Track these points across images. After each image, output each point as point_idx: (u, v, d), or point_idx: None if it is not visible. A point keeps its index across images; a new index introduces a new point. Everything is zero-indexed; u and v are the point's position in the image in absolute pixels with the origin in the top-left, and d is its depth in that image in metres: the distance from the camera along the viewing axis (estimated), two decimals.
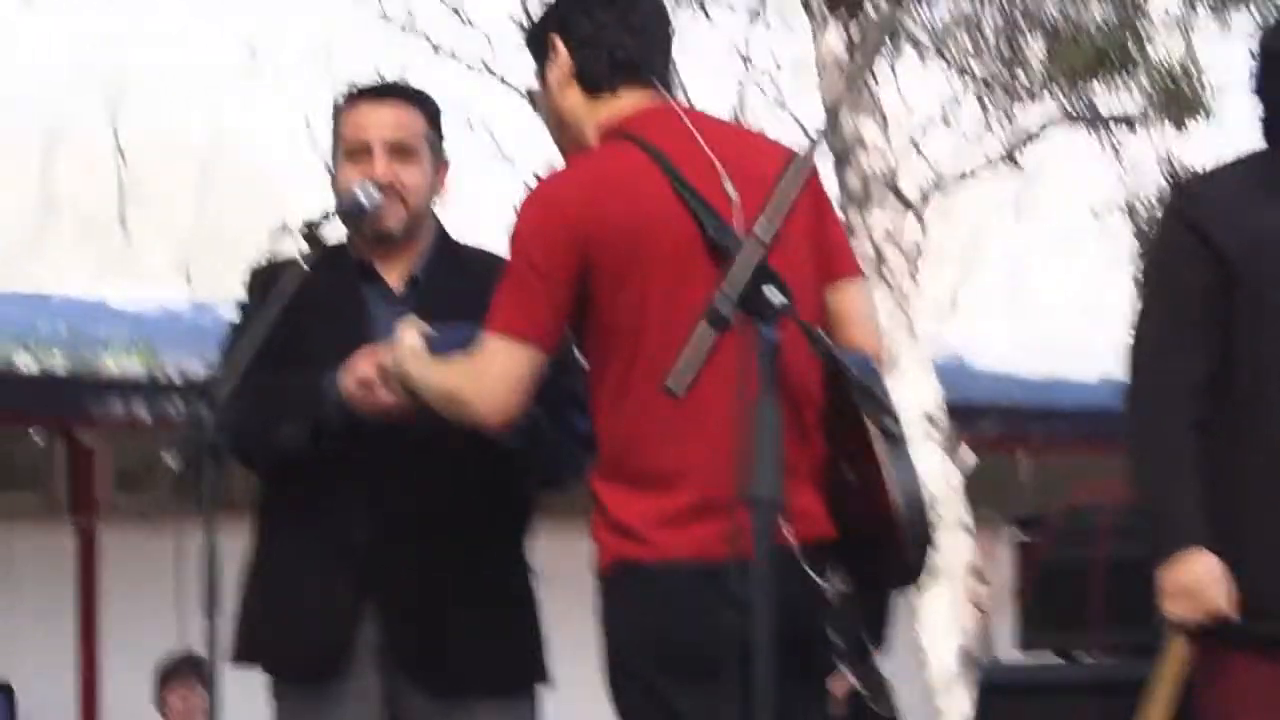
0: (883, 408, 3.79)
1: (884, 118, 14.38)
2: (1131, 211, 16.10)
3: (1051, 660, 6.42)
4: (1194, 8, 15.03)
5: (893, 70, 14.79)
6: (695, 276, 3.80)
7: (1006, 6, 15.01)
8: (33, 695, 13.08)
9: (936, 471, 13.31)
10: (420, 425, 4.49)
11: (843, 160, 14.09)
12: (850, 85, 14.02)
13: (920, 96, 15.16)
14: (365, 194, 4.70)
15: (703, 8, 14.62)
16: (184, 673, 11.24)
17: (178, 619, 12.33)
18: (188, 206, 18.69)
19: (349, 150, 4.80)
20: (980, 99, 14.97)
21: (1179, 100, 14.80)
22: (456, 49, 15.07)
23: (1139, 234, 16.00)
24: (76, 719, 14.16)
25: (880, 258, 13.81)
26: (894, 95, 14.91)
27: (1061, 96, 14.95)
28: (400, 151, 4.74)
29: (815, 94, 14.48)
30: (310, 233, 4.70)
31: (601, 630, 3.92)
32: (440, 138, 4.90)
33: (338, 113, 4.92)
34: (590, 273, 3.83)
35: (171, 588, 12.85)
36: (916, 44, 14.99)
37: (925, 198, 14.32)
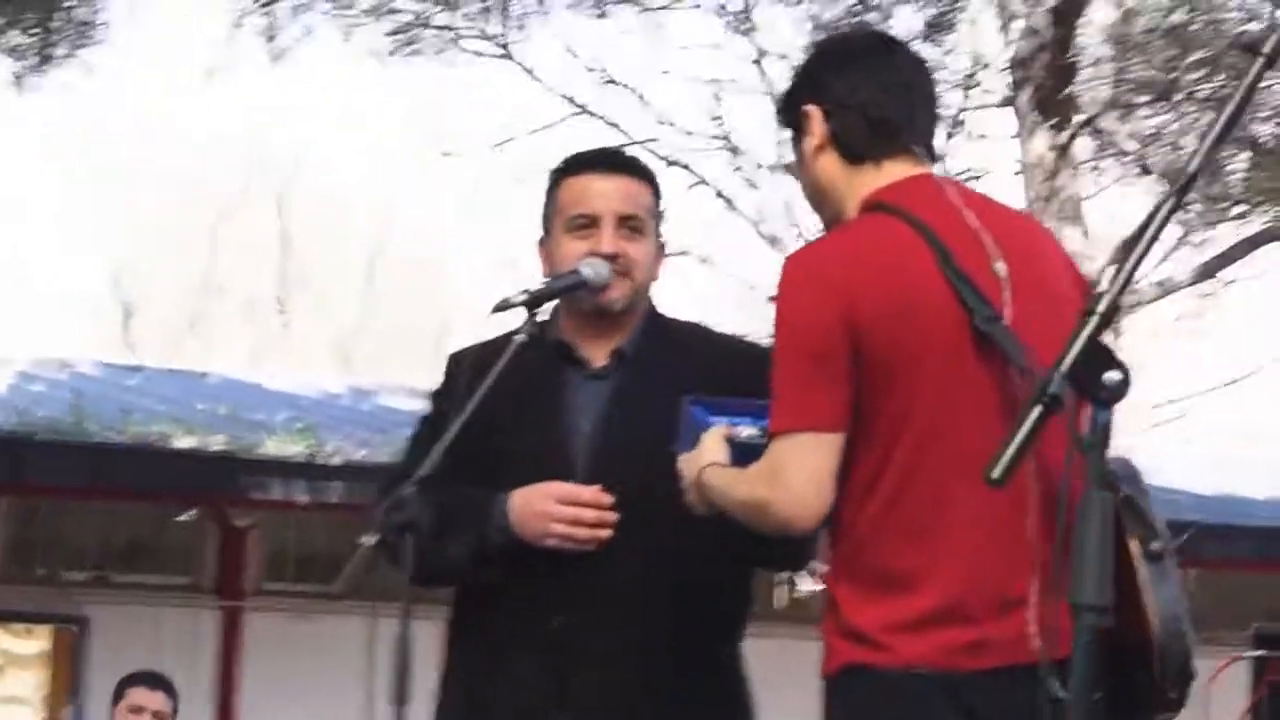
0: (1147, 523, 3.46)
1: (1086, 229, 14.36)
2: None
3: None
4: None
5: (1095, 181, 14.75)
6: (963, 367, 3.54)
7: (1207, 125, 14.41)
8: None
9: None
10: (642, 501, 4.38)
11: None
12: (1055, 192, 13.97)
13: (1123, 208, 15.15)
14: (592, 268, 4.52)
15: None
16: None
17: (368, 705, 12.58)
18: (350, 293, 18.81)
19: (572, 221, 4.59)
20: (1183, 210, 14.32)
21: None
22: (639, 135, 14.86)
23: None
24: None
25: None
26: (1098, 206, 14.86)
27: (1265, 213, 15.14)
28: (629, 226, 4.57)
29: (1012, 202, 13.80)
30: (532, 304, 4.49)
31: None
32: (661, 217, 4.78)
33: (558, 181, 4.72)
34: (855, 354, 3.57)
35: (314, 671, 13.21)
36: (1122, 154, 14.95)
37: (1121, 312, 13.64)
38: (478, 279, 19.95)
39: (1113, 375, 2.66)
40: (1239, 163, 15.45)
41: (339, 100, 18.72)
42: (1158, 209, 2.70)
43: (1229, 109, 2.75)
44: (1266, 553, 16.80)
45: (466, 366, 4.64)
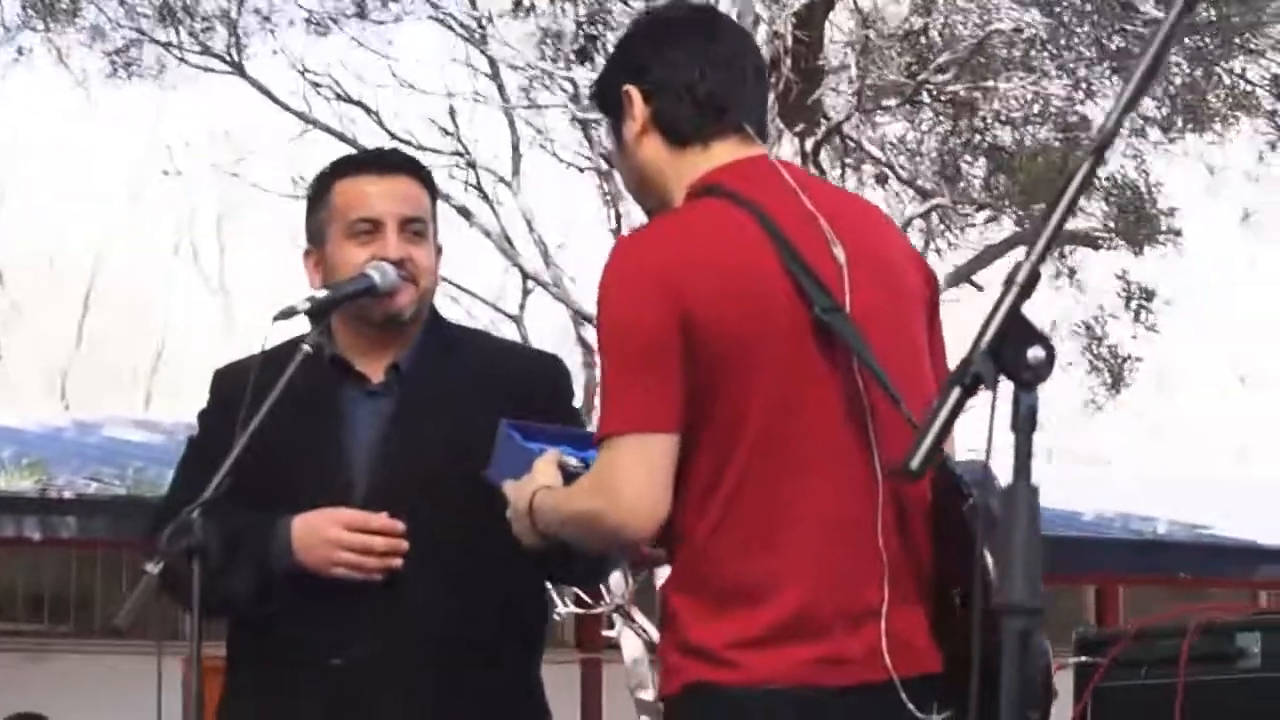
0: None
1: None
2: (1088, 330, 16.48)
3: None
4: (1144, 133, 15.40)
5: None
6: (803, 360, 3.40)
7: (947, 130, 15.54)
8: None
9: None
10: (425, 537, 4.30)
11: None
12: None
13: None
14: (380, 272, 4.40)
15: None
16: None
17: None
18: (65, 326, 18.59)
19: (353, 226, 4.45)
20: (924, 218, 15.37)
21: (1139, 220, 15.31)
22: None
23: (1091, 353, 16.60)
24: None
25: None
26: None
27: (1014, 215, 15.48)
28: (413, 230, 4.47)
29: None
30: (317, 312, 4.38)
31: None
32: (435, 217, 4.69)
33: (329, 184, 4.58)
34: (687, 350, 3.40)
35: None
36: (868, 160, 15.36)
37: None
38: (192, 308, 19.70)
39: (1037, 352, 2.42)
40: (978, 169, 15.85)
41: (53, 127, 18.31)
42: (1074, 171, 2.52)
43: (1147, 57, 2.49)
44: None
45: (239, 383, 4.42)
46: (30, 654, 14.94)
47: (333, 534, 4.26)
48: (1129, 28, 14.97)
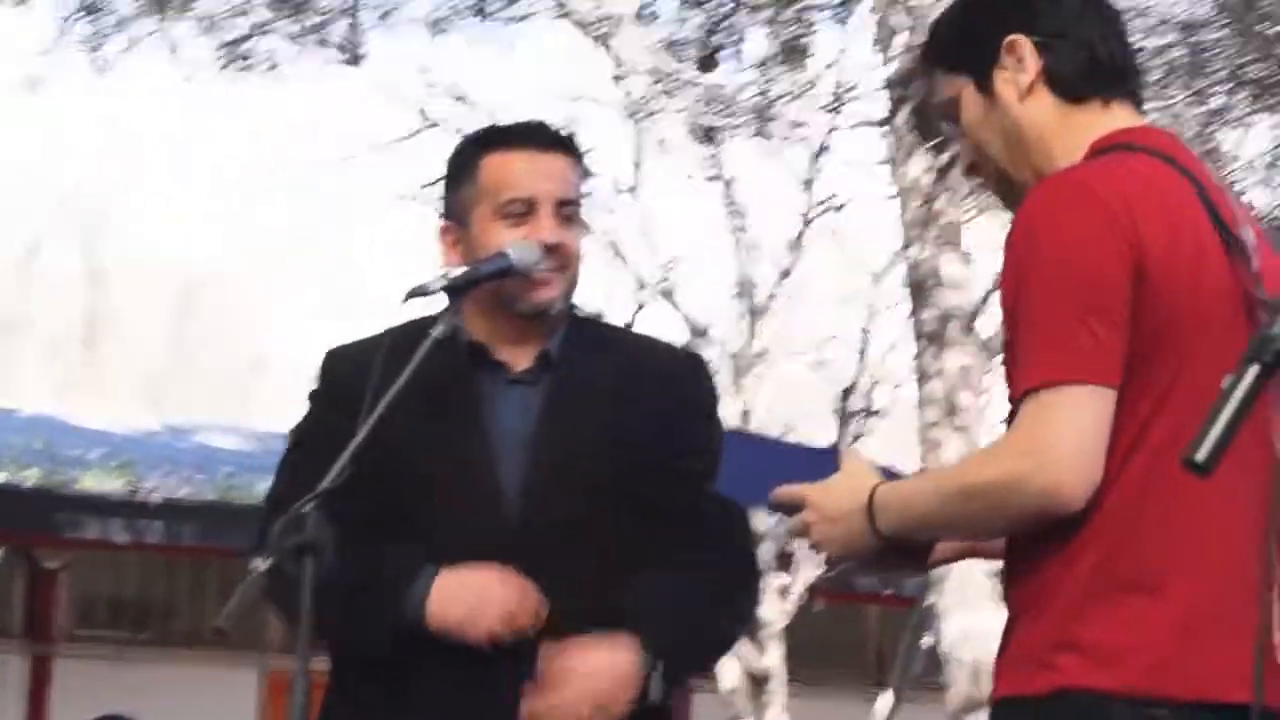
0: None
1: (966, 254, 14.03)
2: None
3: None
4: None
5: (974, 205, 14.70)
6: (1234, 340, 2.93)
7: None
8: None
9: (998, 631, 13.02)
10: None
11: (918, 296, 13.63)
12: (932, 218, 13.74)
13: (999, 235, 14.97)
14: (519, 251, 4.12)
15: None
16: None
17: None
18: (160, 330, 18.57)
19: (505, 207, 4.21)
20: None
21: None
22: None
23: None
24: None
25: (952, 403, 13.26)
26: (976, 233, 14.74)
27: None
28: (566, 213, 4.24)
29: (879, 226, 14.41)
30: (453, 291, 4.13)
31: None
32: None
33: (478, 157, 4.29)
34: (1134, 302, 3.00)
35: None
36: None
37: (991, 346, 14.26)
38: (295, 318, 19.60)
39: None
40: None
41: (160, 121, 18.33)
42: None
43: None
44: None
45: (357, 364, 4.21)
46: (110, 661, 14.88)
47: (475, 602, 4.12)
48: (1270, 55, 14.64)
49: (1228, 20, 15.40)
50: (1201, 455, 2.18)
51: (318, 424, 4.30)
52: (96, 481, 14.09)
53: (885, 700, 14.90)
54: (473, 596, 4.13)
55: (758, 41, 15.62)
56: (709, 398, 4.51)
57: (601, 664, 4.13)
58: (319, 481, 3.97)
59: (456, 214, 4.34)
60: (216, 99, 16.51)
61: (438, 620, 4.07)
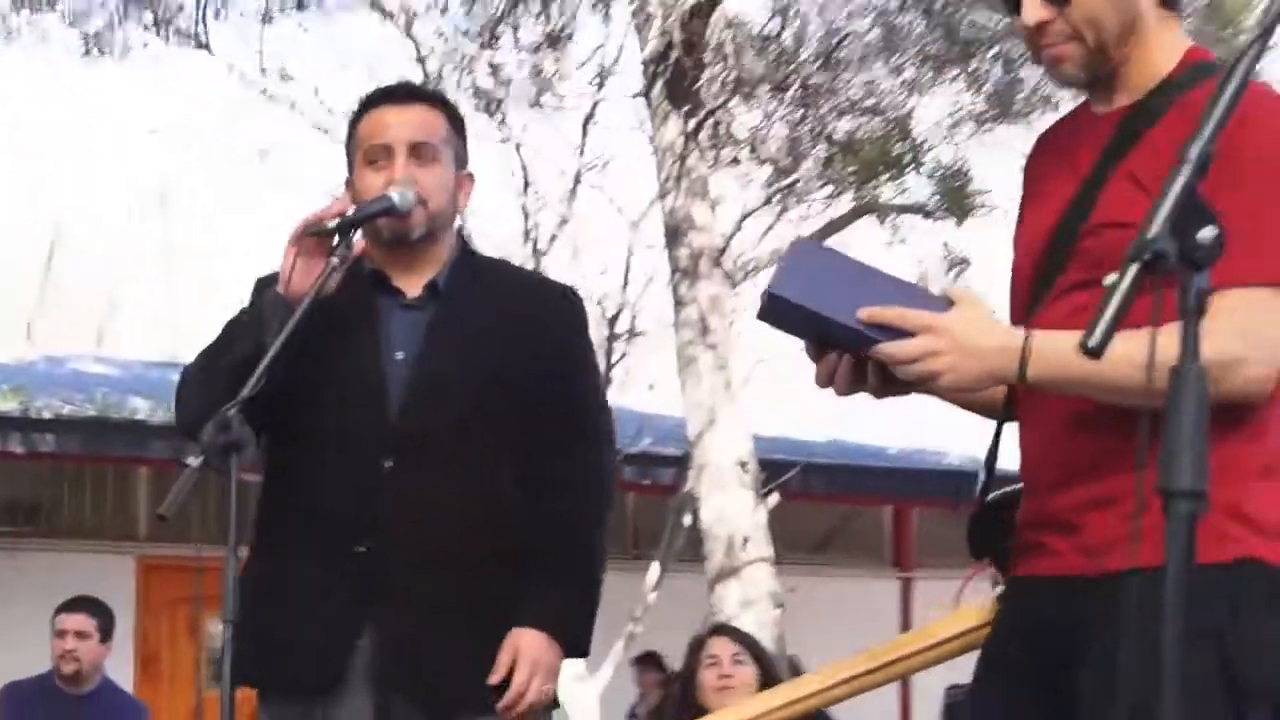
0: None
1: (713, 203, 14.64)
2: None
3: None
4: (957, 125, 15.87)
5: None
6: None
7: (796, 119, 15.64)
8: None
9: (747, 511, 13.56)
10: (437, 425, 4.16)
11: (674, 238, 14.29)
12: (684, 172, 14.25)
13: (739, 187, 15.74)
14: (399, 194, 4.23)
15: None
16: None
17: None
18: (32, 277, 18.83)
19: (368, 153, 4.33)
20: (779, 192, 15.62)
21: (958, 198, 15.61)
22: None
23: None
24: None
25: (705, 324, 13.89)
26: (721, 183, 15.10)
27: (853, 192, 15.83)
28: (421, 153, 4.29)
29: (639, 180, 14.78)
30: (343, 229, 4.18)
31: (1209, 635, 2.71)
32: (464, 145, 4.47)
33: (357, 117, 4.46)
34: None
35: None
36: (737, 142, 15.39)
37: (745, 272, 14.75)
38: (142, 264, 20.02)
39: (1209, 231, 2.15)
40: (820, 152, 15.81)
41: (33, 103, 18.48)
42: (1247, 49, 2.24)
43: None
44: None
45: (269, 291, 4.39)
46: (9, 551, 14.89)
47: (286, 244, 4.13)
48: (961, 24, 15.20)
49: (915, 4, 15.79)
50: (1093, 341, 2.14)
51: (241, 323, 4.39)
52: None
53: (653, 571, 14.69)
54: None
55: (531, 29, 15.63)
56: (576, 325, 4.54)
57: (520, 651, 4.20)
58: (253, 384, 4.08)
59: (349, 165, 4.43)
60: (83, 80, 16.72)
61: (283, 286, 4.09)
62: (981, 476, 3.10)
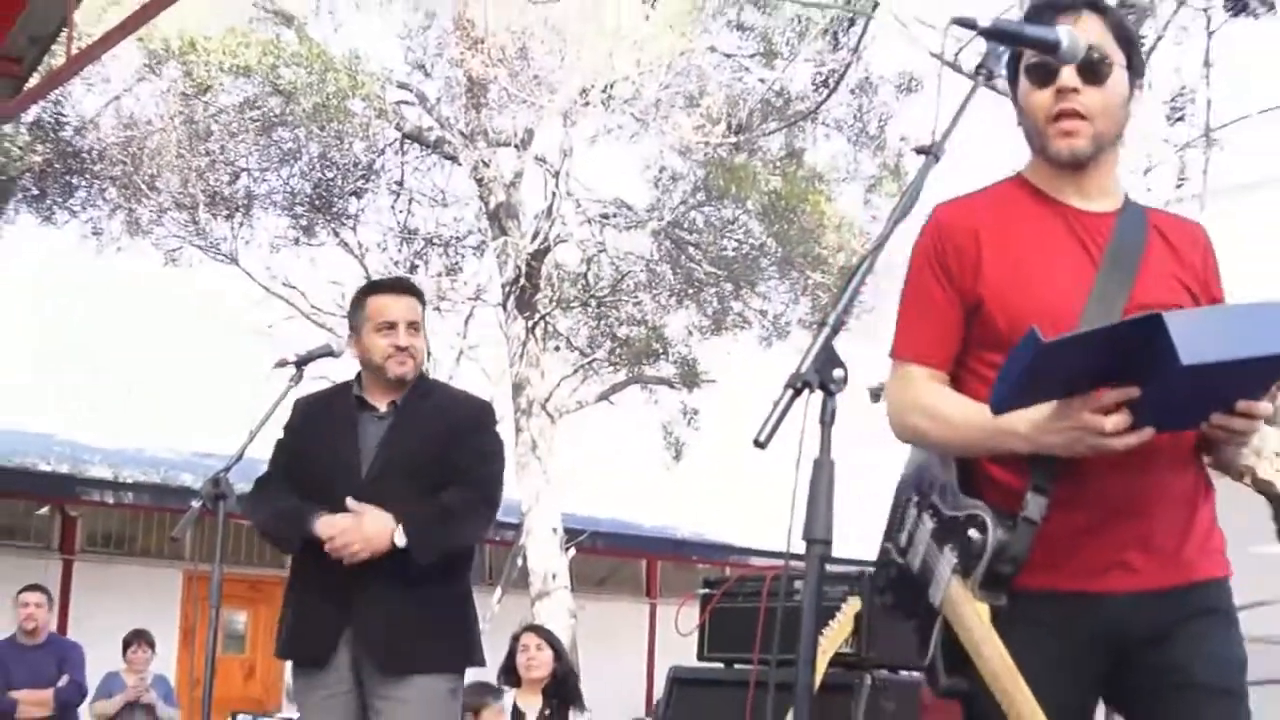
0: None
1: (542, 372, 15.37)
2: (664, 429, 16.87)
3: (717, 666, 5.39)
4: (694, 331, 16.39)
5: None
6: None
7: (594, 326, 16.10)
8: None
9: (556, 558, 14.47)
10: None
11: (517, 391, 14.90)
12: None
13: (558, 363, 16.13)
14: (337, 344, 4.45)
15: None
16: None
17: None
18: None
19: (380, 326, 4.25)
20: (581, 368, 16.27)
21: (690, 376, 16.48)
22: None
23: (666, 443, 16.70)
24: None
25: (534, 443, 14.63)
26: (547, 360, 15.55)
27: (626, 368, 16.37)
28: (413, 327, 4.25)
29: (498, 356, 15.18)
30: (299, 363, 4.41)
31: None
32: (425, 316, 4.39)
33: (364, 297, 4.37)
34: None
35: None
36: (558, 335, 15.89)
37: (560, 414, 15.38)
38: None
39: (839, 372, 2.05)
40: (607, 345, 16.22)
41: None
42: (860, 262, 2.15)
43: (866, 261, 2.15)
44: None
45: (301, 406, 4.42)
46: (100, 566, 14.74)
47: (328, 534, 4.06)
48: (695, 271, 15.93)
49: (665, 258, 15.77)
50: (761, 437, 2.01)
51: (281, 440, 4.38)
52: None
53: (497, 593, 14.88)
54: (337, 528, 4.01)
55: (436, 263, 16.10)
56: (487, 425, 4.36)
57: (370, 516, 4.05)
58: (279, 470, 4.29)
59: (354, 329, 4.33)
60: None
61: (319, 531, 4.05)
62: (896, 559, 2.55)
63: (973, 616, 2.36)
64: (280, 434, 4.34)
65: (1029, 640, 2.40)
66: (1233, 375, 2.20)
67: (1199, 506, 2.48)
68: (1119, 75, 2.48)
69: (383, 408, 4.22)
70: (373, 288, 4.40)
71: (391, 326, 4.19)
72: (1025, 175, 2.56)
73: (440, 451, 4.12)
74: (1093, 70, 2.44)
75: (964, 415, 2.42)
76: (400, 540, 3.97)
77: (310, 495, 4.11)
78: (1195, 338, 2.11)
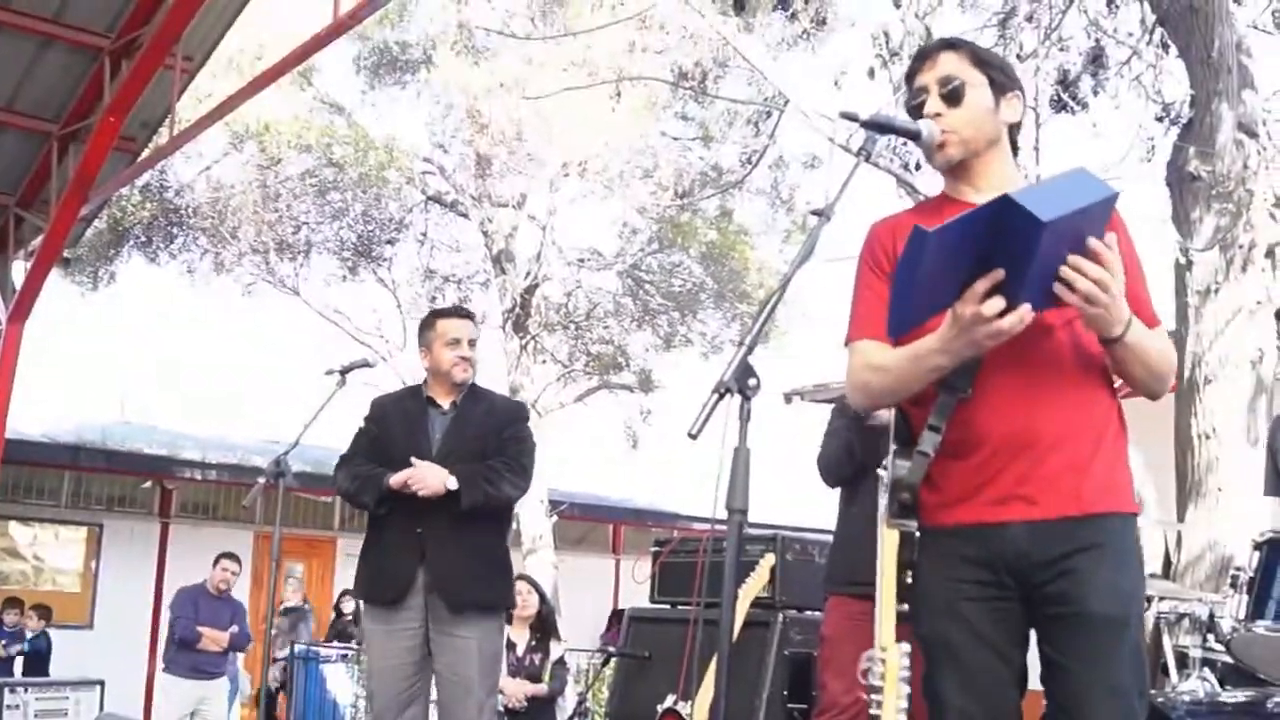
0: None
1: (532, 379, 15.05)
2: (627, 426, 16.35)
3: (665, 607, 5.18)
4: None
5: None
6: None
7: (570, 347, 15.59)
8: None
9: (543, 522, 14.16)
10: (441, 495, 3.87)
11: (512, 395, 14.18)
12: None
13: (545, 372, 15.65)
14: (366, 362, 4.34)
15: None
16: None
17: None
18: None
19: (448, 342, 4.16)
20: (562, 377, 15.71)
21: (648, 383, 16.02)
22: None
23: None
24: None
25: None
26: (536, 370, 15.18)
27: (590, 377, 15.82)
28: (472, 343, 4.19)
29: (498, 368, 14.66)
30: (349, 369, 4.31)
31: None
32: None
33: (434, 320, 4.26)
34: None
35: None
36: (545, 351, 15.30)
37: (545, 413, 14.89)
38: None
39: (754, 380, 1.95)
40: (583, 360, 15.79)
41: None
42: (769, 296, 2.08)
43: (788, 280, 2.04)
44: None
45: (380, 403, 4.31)
46: (192, 527, 14.02)
47: (405, 477, 3.94)
48: (650, 302, 15.62)
49: (629, 292, 15.22)
50: (693, 430, 1.93)
51: (362, 428, 4.24)
52: None
53: None
54: (406, 474, 3.92)
55: (446, 301, 15.28)
56: (522, 419, 4.22)
57: (429, 466, 3.95)
58: (361, 450, 4.13)
59: (425, 344, 4.20)
60: None
61: (392, 482, 3.92)
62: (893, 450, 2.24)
63: (888, 540, 2.22)
64: (361, 424, 4.22)
65: (946, 573, 2.22)
66: (1078, 225, 2.02)
67: (1102, 443, 2.22)
68: (978, 92, 2.35)
69: (446, 405, 4.14)
70: (440, 313, 4.31)
71: (457, 342, 4.12)
72: (944, 188, 2.45)
73: (491, 437, 4.05)
74: (951, 96, 2.34)
75: (895, 357, 2.23)
76: (452, 484, 3.89)
77: (388, 468, 4.02)
78: (1042, 202, 1.98)
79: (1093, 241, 2.04)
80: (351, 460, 4.11)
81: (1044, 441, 2.18)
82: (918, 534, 2.24)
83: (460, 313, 4.30)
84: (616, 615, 15.08)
